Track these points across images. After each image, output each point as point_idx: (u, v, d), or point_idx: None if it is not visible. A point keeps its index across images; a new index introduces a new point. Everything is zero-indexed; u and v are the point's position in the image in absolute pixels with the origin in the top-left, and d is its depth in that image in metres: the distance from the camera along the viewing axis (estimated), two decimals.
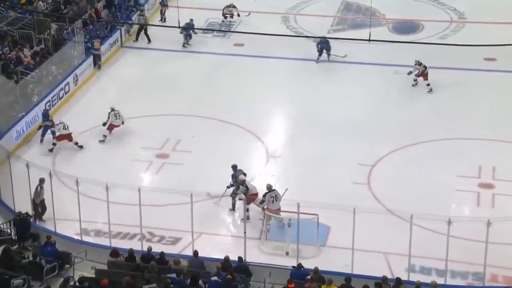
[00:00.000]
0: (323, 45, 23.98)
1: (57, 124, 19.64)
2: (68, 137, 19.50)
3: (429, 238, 15.21)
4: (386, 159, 18.95)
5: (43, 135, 19.90)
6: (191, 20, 24.65)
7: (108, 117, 20.06)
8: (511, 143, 19.44)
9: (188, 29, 24.73)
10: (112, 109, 20.15)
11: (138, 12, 26.72)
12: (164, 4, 27.53)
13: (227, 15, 27.03)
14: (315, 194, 16.61)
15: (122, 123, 20.21)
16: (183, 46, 25.32)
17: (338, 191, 17.32)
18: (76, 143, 19.57)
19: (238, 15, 27.03)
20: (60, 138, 19.49)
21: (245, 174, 17.15)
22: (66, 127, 19.50)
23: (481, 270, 14.29)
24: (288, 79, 23.43)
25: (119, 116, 20.13)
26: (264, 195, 16.13)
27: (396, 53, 23.85)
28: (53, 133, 19.66)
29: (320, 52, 23.96)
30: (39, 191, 16.34)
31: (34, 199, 16.33)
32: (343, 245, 14.98)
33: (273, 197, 16.07)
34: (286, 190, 16.31)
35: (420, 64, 22.23)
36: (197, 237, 15.46)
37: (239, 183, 16.66)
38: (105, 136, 19.99)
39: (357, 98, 22.10)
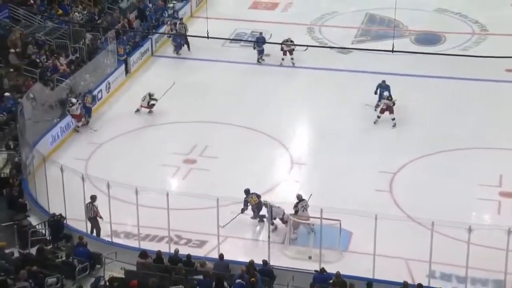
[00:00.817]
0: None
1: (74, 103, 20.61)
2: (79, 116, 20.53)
3: (449, 245, 15.07)
4: (408, 167, 18.83)
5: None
6: (261, 33, 24.01)
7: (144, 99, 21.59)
8: None
9: (259, 44, 24.15)
10: (150, 95, 21.64)
11: (178, 21, 26.63)
12: (175, 17, 26.87)
13: (286, 51, 24.18)
14: (338, 201, 16.54)
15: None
16: (258, 61, 24.71)
17: (361, 198, 17.25)
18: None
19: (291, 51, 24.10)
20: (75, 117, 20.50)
21: (258, 196, 16.61)
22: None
23: (501, 277, 14.12)
24: (312, 88, 23.40)
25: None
26: (296, 205, 16.05)
27: (418, 64, 23.71)
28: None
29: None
30: (90, 208, 15.99)
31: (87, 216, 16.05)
32: (364, 250, 14.92)
33: (303, 206, 16.02)
34: (310, 195, 16.26)
35: (389, 98, 20.55)
36: (222, 241, 15.51)
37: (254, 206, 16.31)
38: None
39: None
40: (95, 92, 22.12)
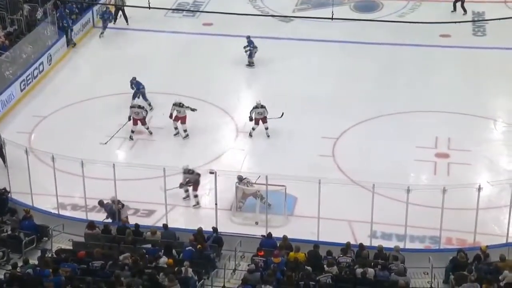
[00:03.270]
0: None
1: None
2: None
3: (389, 206, 15.42)
4: (349, 132, 19.08)
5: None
6: (248, 36, 23.38)
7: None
8: (465, 115, 19.72)
9: (249, 45, 22.61)
10: (178, 104, 18.76)
11: None
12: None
13: (258, 120, 18.81)
14: (283, 167, 16.68)
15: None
16: (249, 65, 22.72)
17: (305, 163, 17.41)
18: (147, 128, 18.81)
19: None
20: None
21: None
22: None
23: (437, 234, 14.57)
24: (254, 57, 23.29)
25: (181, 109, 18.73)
26: (236, 186, 15.85)
27: (357, 31, 23.90)
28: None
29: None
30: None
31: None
32: (309, 214, 15.12)
33: (245, 183, 15.94)
34: (258, 177, 15.77)
35: (262, 106, 18.59)
36: (170, 209, 15.45)
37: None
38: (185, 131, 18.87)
39: (319, 74, 22.11)
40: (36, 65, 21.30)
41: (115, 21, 25.44)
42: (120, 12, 25.37)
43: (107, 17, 24.76)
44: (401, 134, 18.87)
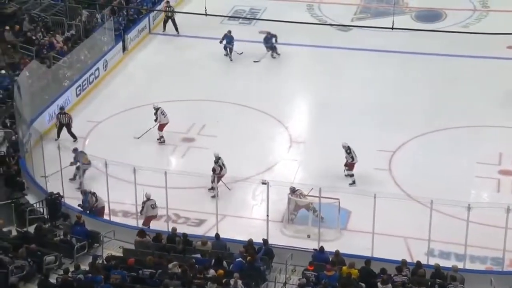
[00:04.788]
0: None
1: None
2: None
3: (448, 224, 15.11)
4: (407, 146, 18.80)
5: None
6: (229, 31, 23.85)
7: (156, 117, 19.00)
8: None
9: (228, 41, 23.55)
10: (157, 108, 19.03)
11: (164, 2, 26.49)
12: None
13: None
14: (337, 180, 16.56)
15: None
16: (227, 57, 23.71)
17: (360, 176, 17.23)
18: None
19: None
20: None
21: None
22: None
23: (500, 255, 14.18)
24: (311, 66, 23.30)
25: (165, 113, 19.05)
26: (288, 198, 15.84)
27: (419, 41, 23.58)
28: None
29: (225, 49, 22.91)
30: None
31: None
32: (363, 229, 14.95)
33: (297, 195, 15.89)
34: (311, 189, 15.85)
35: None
36: (221, 219, 15.51)
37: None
38: (161, 137, 19.06)
39: (378, 85, 21.90)
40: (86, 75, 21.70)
41: (164, 29, 25.82)
42: (170, 21, 25.72)
43: (228, 41, 23.66)
44: (462, 149, 18.48)
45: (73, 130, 19.42)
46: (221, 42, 23.62)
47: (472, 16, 26.23)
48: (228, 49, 23.66)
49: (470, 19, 26.01)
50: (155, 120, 19.18)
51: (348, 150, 17.21)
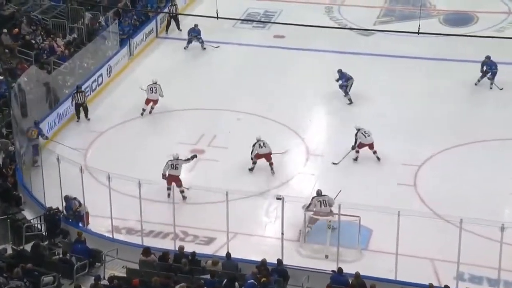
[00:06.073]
0: None
1: None
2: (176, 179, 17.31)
3: (480, 245, 15.03)
4: (433, 160, 18.77)
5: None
6: (196, 25, 24.37)
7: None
8: None
9: (192, 34, 24.66)
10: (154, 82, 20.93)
11: (170, 3, 26.74)
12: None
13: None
14: (357, 195, 16.55)
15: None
16: (184, 48, 24.99)
17: (382, 192, 17.24)
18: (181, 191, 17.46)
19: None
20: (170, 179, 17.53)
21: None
22: (175, 166, 17.36)
23: None
24: (330, 73, 23.32)
25: (155, 90, 20.83)
26: (312, 199, 16.12)
27: (448, 47, 23.57)
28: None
29: None
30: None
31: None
32: (386, 249, 14.94)
33: (320, 201, 16.01)
34: (339, 192, 16.13)
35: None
36: (232, 238, 15.54)
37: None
38: (143, 110, 20.99)
39: (403, 94, 21.92)
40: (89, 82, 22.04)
41: (167, 30, 26.12)
42: (173, 20, 25.97)
43: (196, 35, 24.92)
44: (494, 163, 18.41)
45: (76, 139, 19.65)
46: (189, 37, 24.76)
47: (507, 19, 26.19)
48: (196, 41, 24.72)
49: (504, 23, 25.99)
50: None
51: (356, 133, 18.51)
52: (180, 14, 26.20)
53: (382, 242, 15.54)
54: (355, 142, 18.68)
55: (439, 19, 26.56)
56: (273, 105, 21.41)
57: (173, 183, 16.82)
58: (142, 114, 21.03)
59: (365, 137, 18.64)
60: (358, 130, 18.70)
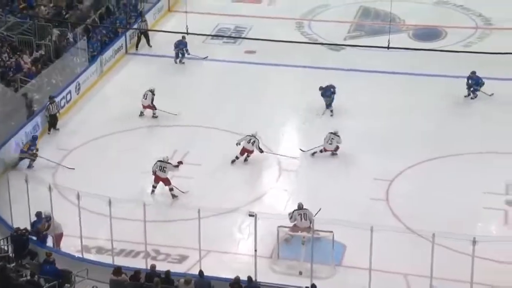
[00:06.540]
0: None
1: None
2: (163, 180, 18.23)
3: (452, 259, 15.14)
4: (405, 174, 18.91)
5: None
6: (183, 37, 24.35)
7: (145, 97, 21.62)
8: None
9: (180, 47, 24.73)
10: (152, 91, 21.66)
11: (140, 20, 26.69)
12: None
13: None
14: (330, 211, 16.56)
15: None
16: (175, 62, 25.08)
17: (355, 207, 17.29)
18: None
19: None
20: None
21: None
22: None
23: None
24: (302, 89, 23.46)
25: (146, 96, 21.63)
26: (293, 211, 16.16)
27: (417, 61, 23.86)
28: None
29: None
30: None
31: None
32: (360, 265, 14.96)
33: (301, 214, 16.05)
34: (319, 210, 16.14)
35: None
36: (204, 255, 15.47)
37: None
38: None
39: (374, 109, 22.10)
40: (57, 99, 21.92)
41: (137, 47, 26.06)
42: (143, 36, 25.94)
43: (182, 47, 24.93)
44: (466, 178, 18.59)
45: (44, 157, 19.51)
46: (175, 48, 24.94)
47: (474, 35, 26.62)
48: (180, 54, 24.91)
49: (472, 38, 26.40)
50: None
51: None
52: (150, 30, 26.17)
53: (355, 258, 15.57)
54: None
55: (409, 34, 26.90)
56: (245, 121, 21.42)
57: (161, 182, 17.92)
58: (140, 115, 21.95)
59: (329, 144, 19.32)
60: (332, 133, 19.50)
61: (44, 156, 19.75)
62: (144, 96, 21.73)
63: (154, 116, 21.79)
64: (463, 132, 20.77)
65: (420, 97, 22.70)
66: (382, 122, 21.27)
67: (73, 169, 19.23)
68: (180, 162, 18.39)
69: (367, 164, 19.24)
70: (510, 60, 22.44)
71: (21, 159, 19.42)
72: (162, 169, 18.09)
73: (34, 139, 19.79)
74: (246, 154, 19.42)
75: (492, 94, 22.18)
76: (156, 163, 18.11)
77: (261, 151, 19.40)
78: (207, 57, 24.84)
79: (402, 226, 16.61)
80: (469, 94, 22.32)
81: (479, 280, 14.13)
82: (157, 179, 18.17)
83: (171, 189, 18.05)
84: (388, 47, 18.21)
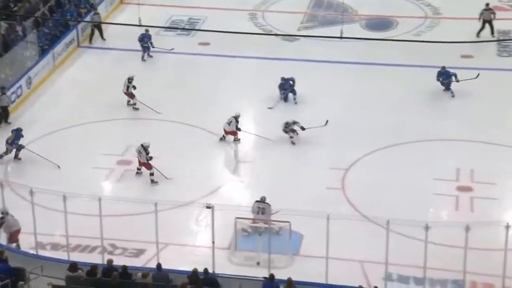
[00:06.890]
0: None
1: None
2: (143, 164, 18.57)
3: (406, 245, 15.40)
4: (360, 163, 19.17)
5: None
6: (147, 30, 24.22)
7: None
8: (490, 144, 19.82)
9: (144, 41, 24.43)
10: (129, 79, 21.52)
11: (92, 12, 26.39)
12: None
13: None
14: (287, 200, 16.73)
15: None
16: (143, 59, 24.73)
17: (311, 197, 17.47)
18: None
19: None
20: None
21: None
22: None
23: (460, 277, 14.54)
24: (257, 79, 23.53)
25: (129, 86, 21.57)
26: (254, 203, 16.21)
27: (369, 51, 24.15)
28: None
29: None
30: None
31: None
32: (317, 253, 15.11)
33: (260, 208, 16.09)
34: (277, 211, 16.04)
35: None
36: (162, 248, 15.44)
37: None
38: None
39: (328, 98, 22.30)
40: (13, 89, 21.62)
41: (90, 40, 25.76)
42: (96, 29, 25.67)
43: (147, 40, 24.62)
44: (418, 165, 18.94)
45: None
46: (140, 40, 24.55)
47: (424, 24, 27.05)
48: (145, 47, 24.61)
49: (422, 27, 26.83)
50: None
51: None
52: (102, 22, 25.88)
53: (313, 247, 15.74)
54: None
55: (361, 24, 27.18)
56: (200, 113, 21.41)
57: (143, 167, 18.37)
58: (127, 104, 21.84)
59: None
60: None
61: None
62: (124, 84, 21.75)
63: (130, 104, 21.69)
64: (415, 121, 21.10)
65: (374, 86, 23.00)
66: (336, 111, 21.46)
67: (59, 167, 18.84)
68: (150, 158, 18.31)
69: (323, 154, 19.45)
70: (459, 49, 23.03)
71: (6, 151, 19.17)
72: (139, 153, 18.35)
73: (19, 131, 19.42)
74: (227, 134, 19.96)
75: (478, 74, 22.09)
76: (138, 146, 18.40)
77: (239, 130, 19.82)
78: (173, 48, 24.68)
79: (358, 214, 16.86)
80: (448, 89, 22.31)
81: (432, 265, 14.45)
82: (140, 163, 18.42)
83: (151, 174, 18.21)
84: (341, 37, 18.39)
